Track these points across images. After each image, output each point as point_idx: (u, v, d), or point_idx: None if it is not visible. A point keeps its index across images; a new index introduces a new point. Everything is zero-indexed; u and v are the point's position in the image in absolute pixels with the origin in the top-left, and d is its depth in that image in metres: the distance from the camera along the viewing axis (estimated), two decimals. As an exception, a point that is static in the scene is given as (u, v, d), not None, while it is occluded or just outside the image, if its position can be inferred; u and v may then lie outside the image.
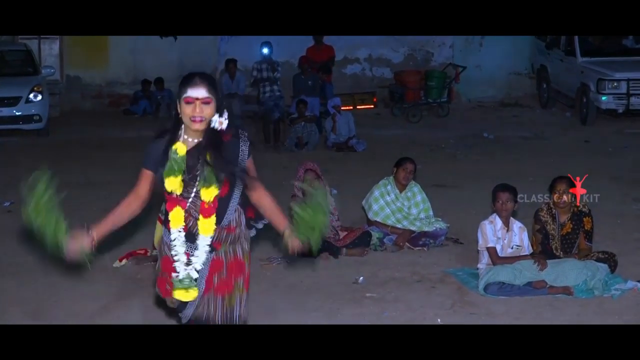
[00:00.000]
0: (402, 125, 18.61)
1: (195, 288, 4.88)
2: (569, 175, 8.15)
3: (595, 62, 17.84)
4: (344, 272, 8.28)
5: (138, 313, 7.13)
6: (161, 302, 5.23)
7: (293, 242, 4.82)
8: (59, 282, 7.94)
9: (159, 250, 5.13)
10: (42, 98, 17.14)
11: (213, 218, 4.83)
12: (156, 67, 20.35)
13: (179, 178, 4.77)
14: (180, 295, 4.88)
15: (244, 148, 4.84)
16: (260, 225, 5.13)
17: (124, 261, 8.44)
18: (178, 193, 4.81)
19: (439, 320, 7.03)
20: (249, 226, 5.08)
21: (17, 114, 16.92)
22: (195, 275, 4.87)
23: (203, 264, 4.88)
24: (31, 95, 17.00)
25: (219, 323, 4.92)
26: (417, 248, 9.05)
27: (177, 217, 4.85)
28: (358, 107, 20.04)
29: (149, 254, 8.53)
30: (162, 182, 4.81)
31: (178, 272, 4.87)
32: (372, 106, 20.63)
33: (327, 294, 7.63)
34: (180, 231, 4.85)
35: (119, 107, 20.90)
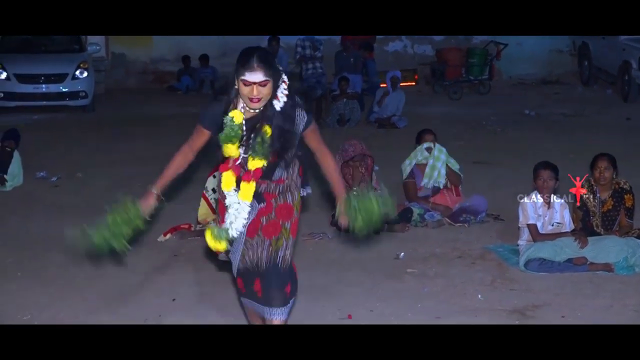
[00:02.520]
0: (444, 103, 18.63)
1: (226, 245, 5.04)
2: (603, 157, 8.08)
3: (638, 39, 17.66)
4: (385, 247, 8.33)
5: (182, 286, 7.24)
6: (212, 254, 5.44)
7: (341, 219, 5.03)
8: (104, 256, 8.06)
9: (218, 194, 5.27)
10: (88, 75, 17.40)
11: (253, 184, 4.97)
12: (200, 45, 20.48)
13: (237, 145, 4.91)
14: (210, 239, 5.03)
15: (302, 116, 4.95)
16: (303, 193, 5.25)
17: (168, 236, 8.55)
18: (235, 157, 4.96)
19: (479, 296, 7.07)
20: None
21: (63, 90, 17.20)
22: (234, 234, 5.02)
23: (246, 220, 5.02)
24: (77, 72, 17.28)
25: (264, 264, 5.07)
26: (458, 224, 9.10)
27: (228, 180, 5.01)
28: (400, 84, 20.02)
29: (192, 228, 8.65)
30: (218, 145, 4.96)
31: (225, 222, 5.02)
32: (414, 83, 20.66)
33: (368, 270, 7.68)
34: (235, 191, 5.01)
35: (162, 84, 21.14)
